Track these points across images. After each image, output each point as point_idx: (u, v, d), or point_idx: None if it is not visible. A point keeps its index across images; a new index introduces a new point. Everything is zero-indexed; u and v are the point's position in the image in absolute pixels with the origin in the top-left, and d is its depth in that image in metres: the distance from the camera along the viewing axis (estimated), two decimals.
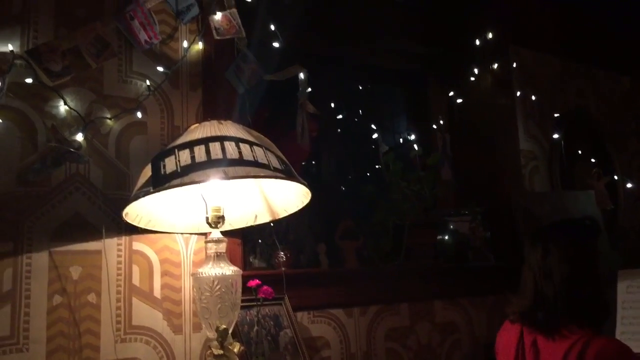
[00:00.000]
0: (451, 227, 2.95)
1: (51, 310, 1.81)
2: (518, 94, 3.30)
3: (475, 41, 3.16)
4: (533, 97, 3.37)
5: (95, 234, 1.92)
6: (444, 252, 2.89)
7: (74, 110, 1.95)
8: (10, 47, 1.84)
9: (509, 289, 2.05)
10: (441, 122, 3.20)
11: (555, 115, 3.48)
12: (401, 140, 3.29)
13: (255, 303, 2.03)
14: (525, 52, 3.43)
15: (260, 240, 2.43)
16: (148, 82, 2.11)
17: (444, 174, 3.06)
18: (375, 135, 2.95)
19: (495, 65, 3.17)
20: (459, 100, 3.26)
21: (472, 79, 3.21)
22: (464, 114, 3.27)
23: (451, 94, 3.28)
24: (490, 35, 3.15)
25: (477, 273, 2.87)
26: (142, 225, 1.92)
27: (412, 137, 3.04)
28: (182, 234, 2.08)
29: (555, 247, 1.93)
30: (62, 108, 1.94)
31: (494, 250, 2.96)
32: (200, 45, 2.26)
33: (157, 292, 2.01)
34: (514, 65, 3.30)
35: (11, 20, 1.91)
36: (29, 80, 1.88)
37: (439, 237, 2.92)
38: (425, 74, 3.41)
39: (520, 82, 3.34)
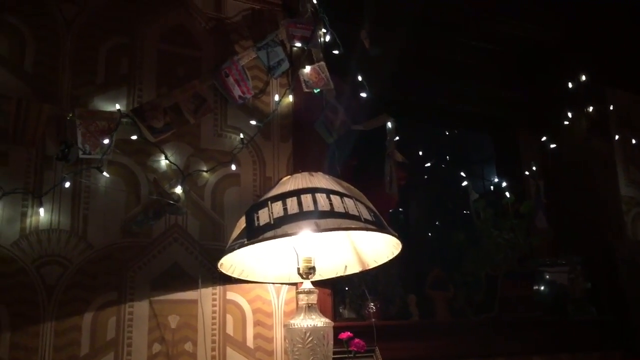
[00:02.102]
0: (548, 277, 2.82)
1: (151, 358, 1.88)
2: (616, 137, 3.15)
3: (568, 84, 3.07)
4: (633, 141, 3.20)
5: (191, 284, 1.99)
6: (541, 304, 2.75)
7: (174, 164, 2.05)
8: (117, 107, 1.97)
9: (615, 345, 1.91)
10: (534, 168, 3.09)
11: None
12: (491, 187, 3.21)
13: (346, 356, 2.01)
14: (621, 94, 3.28)
15: (347, 288, 2.42)
16: (241, 135, 2.19)
17: (539, 221, 2.94)
18: (465, 183, 2.89)
19: (591, 108, 3.06)
20: (553, 146, 3.14)
21: (566, 122, 3.10)
22: (558, 160, 3.15)
23: (543, 138, 3.18)
24: (583, 78, 3.05)
25: (579, 327, 2.70)
26: (235, 275, 1.97)
27: (504, 184, 2.96)
28: (273, 283, 2.11)
29: None
30: (163, 162, 2.04)
31: (596, 302, 2.79)
32: (290, 98, 2.32)
33: (250, 342, 2.04)
34: (611, 107, 3.17)
35: (119, 81, 2.06)
36: (133, 137, 2.00)
37: (535, 288, 2.79)
38: (515, 118, 3.33)
39: (617, 125, 3.19)
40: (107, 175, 1.94)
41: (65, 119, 1.89)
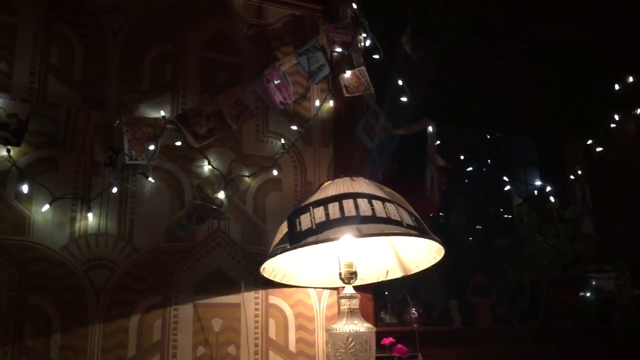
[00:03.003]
0: (594, 284, 2.75)
1: None
2: None
3: (614, 86, 2.99)
4: None
5: (234, 288, 2.01)
6: (587, 312, 2.68)
7: (217, 169, 2.07)
8: (162, 113, 2.01)
9: None
10: (579, 172, 3.02)
11: None
12: (535, 191, 3.15)
13: None
14: None
15: (386, 293, 2.40)
16: (283, 141, 2.20)
17: (585, 227, 2.87)
18: (507, 187, 2.85)
19: (639, 110, 2.97)
20: (599, 149, 3.07)
21: (613, 125, 3.03)
22: (604, 163, 3.07)
23: (589, 142, 3.11)
24: (631, 79, 2.97)
25: (626, 335, 2.63)
26: (277, 279, 1.98)
27: (548, 188, 2.90)
28: (315, 288, 2.12)
29: None
30: (206, 168, 2.07)
31: None
32: (331, 103, 2.33)
33: (292, 345, 2.05)
34: None
35: (163, 88, 2.10)
36: (178, 143, 2.04)
37: (581, 295, 2.72)
38: (559, 122, 3.26)
39: None
40: (152, 181, 1.98)
41: (113, 126, 1.94)
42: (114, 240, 1.90)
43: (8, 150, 1.79)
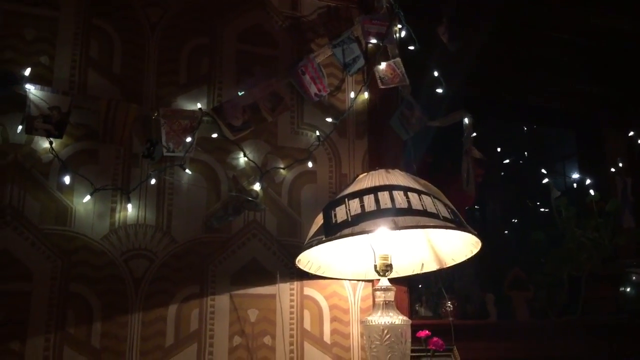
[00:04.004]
0: (634, 279, 2.68)
1: (232, 350, 1.93)
2: None
3: None
4: None
5: (269, 279, 2.03)
6: (626, 307, 2.62)
7: (252, 161, 2.09)
8: (199, 105, 2.03)
9: None
10: (620, 164, 2.94)
11: None
12: (574, 184, 3.09)
13: (424, 354, 1.99)
14: None
15: (420, 286, 2.39)
16: (317, 133, 2.20)
17: (626, 220, 2.81)
18: (545, 180, 2.79)
19: None
20: None
21: None
22: None
23: (631, 134, 3.02)
24: None
25: None
26: (312, 271, 1.99)
27: (587, 181, 2.83)
28: (350, 280, 2.12)
29: None
30: (242, 160, 2.09)
31: None
32: (365, 95, 2.32)
33: (327, 337, 2.06)
34: None
35: (200, 81, 2.12)
36: (214, 135, 2.06)
37: (621, 290, 2.66)
38: (599, 114, 3.18)
39: None
40: (189, 173, 2.00)
41: (151, 118, 1.97)
42: (152, 231, 1.93)
43: (50, 143, 1.83)
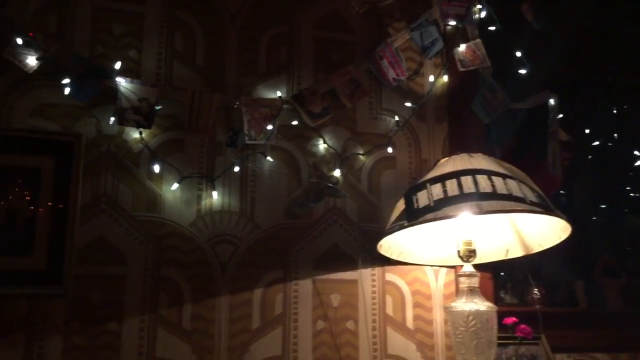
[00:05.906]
0: None
1: (316, 334, 1.96)
2: None
3: None
4: None
5: (351, 264, 2.04)
6: None
7: (332, 147, 2.10)
8: (278, 94, 2.06)
9: None
10: None
11: None
12: None
13: (512, 341, 1.94)
14: None
15: (502, 273, 2.33)
16: (396, 118, 2.18)
17: None
18: (638, 162, 2.65)
19: None
20: None
21: None
22: None
23: None
24: None
25: None
26: (394, 257, 1.98)
27: None
28: (432, 266, 2.10)
29: None
30: (322, 146, 2.10)
31: None
32: (445, 78, 2.28)
33: (409, 322, 2.05)
34: None
35: (279, 69, 2.15)
36: (294, 123, 2.08)
37: None
38: None
39: None
40: (271, 160, 2.04)
41: (233, 108, 2.01)
42: (236, 217, 1.99)
43: (140, 133, 1.91)
